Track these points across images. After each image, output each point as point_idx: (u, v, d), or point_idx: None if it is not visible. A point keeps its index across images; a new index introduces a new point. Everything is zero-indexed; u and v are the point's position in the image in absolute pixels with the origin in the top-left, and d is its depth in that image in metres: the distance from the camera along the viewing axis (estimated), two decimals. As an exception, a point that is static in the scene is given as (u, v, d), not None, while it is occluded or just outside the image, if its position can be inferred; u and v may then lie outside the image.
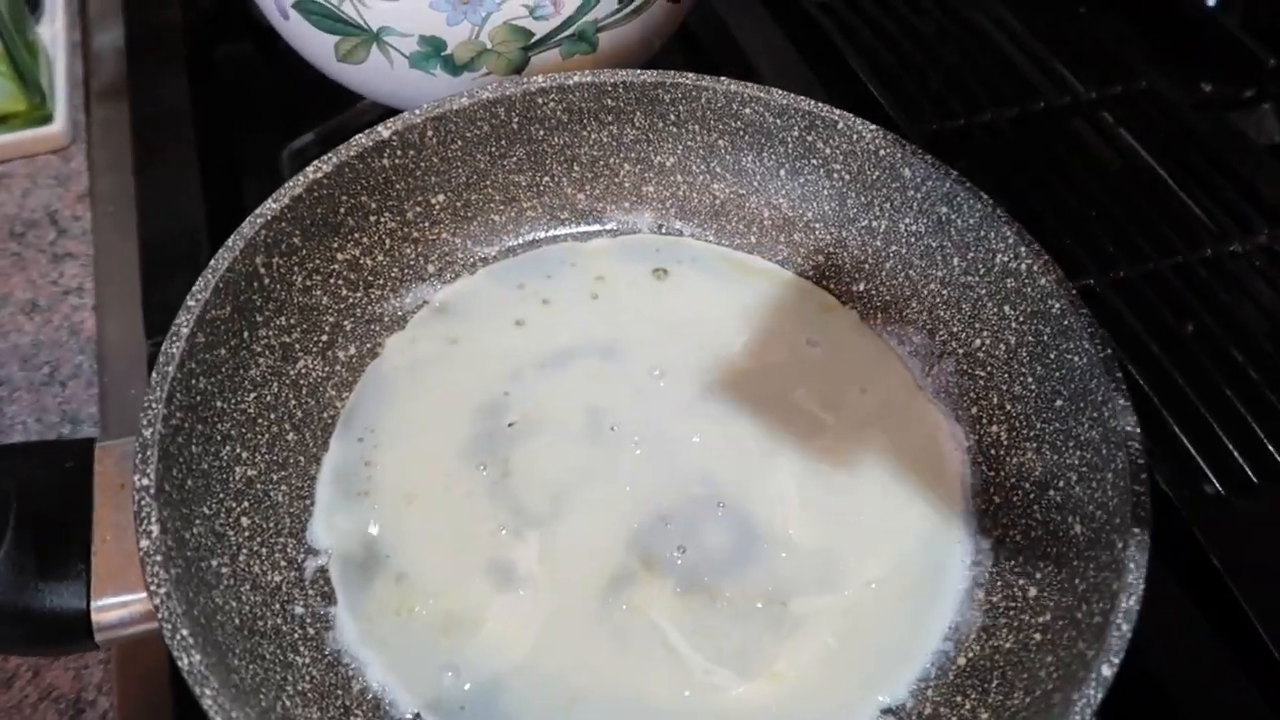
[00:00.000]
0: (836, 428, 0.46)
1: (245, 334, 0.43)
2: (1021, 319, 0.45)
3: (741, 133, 0.50)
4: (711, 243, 0.52)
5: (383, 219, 0.48)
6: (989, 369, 0.46)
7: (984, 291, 0.46)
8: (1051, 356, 0.43)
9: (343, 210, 0.46)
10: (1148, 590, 0.36)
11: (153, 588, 0.34)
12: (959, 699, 0.39)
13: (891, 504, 0.44)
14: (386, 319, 0.48)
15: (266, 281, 0.44)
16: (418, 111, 0.47)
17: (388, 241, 0.49)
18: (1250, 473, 0.48)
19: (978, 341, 0.47)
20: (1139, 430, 0.39)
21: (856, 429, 0.46)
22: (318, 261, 0.46)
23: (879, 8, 0.68)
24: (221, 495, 0.40)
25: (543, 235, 0.52)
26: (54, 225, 0.58)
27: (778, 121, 0.49)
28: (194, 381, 0.40)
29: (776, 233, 0.52)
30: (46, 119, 0.61)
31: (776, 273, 0.51)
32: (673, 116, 0.50)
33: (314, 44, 0.53)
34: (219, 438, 0.41)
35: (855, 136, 0.48)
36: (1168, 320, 0.53)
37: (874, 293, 0.50)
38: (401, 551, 0.42)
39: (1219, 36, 0.68)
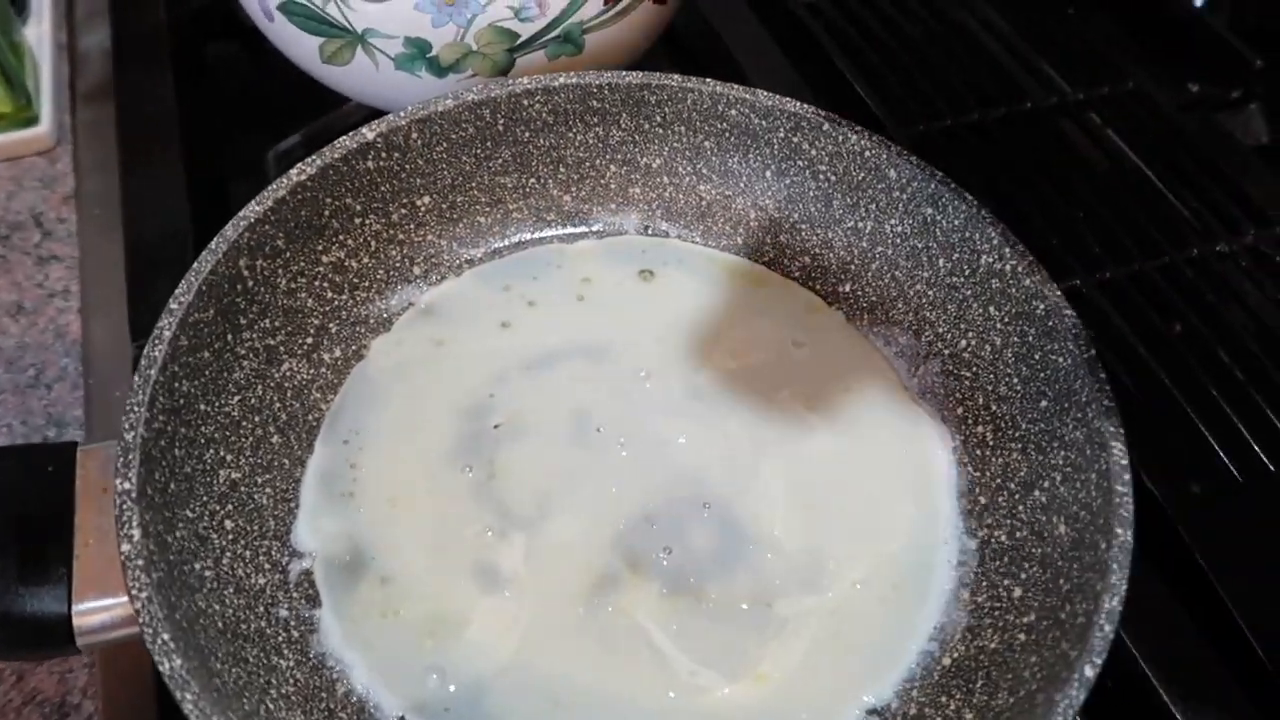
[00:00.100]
0: (822, 428, 0.46)
1: (229, 337, 0.43)
2: (1006, 320, 0.45)
3: (727, 134, 0.50)
4: (698, 244, 0.52)
5: (368, 221, 0.48)
6: (974, 370, 0.46)
7: (969, 292, 0.46)
8: (1036, 357, 0.43)
9: (327, 212, 0.46)
10: (1134, 590, 0.36)
11: (134, 592, 0.34)
12: (944, 699, 0.39)
13: (877, 505, 0.44)
14: (372, 321, 0.48)
15: (250, 284, 0.44)
16: (402, 113, 0.47)
17: (373, 244, 0.48)
18: (1236, 473, 0.48)
19: (963, 342, 0.47)
20: (1122, 431, 0.39)
21: (842, 430, 0.46)
22: (302, 264, 0.46)
23: (866, 8, 0.68)
24: (205, 498, 0.40)
25: (529, 237, 0.52)
26: (39, 227, 0.58)
27: (763, 123, 0.49)
28: (177, 385, 0.39)
29: (762, 234, 0.52)
30: (32, 120, 0.61)
31: (762, 274, 0.51)
32: (658, 118, 0.50)
33: (299, 46, 0.53)
34: (202, 441, 0.41)
35: (840, 138, 0.48)
36: (1154, 321, 0.53)
37: (860, 294, 0.50)
38: (386, 554, 0.42)
39: (1206, 37, 0.68)
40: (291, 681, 0.38)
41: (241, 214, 0.43)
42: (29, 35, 0.65)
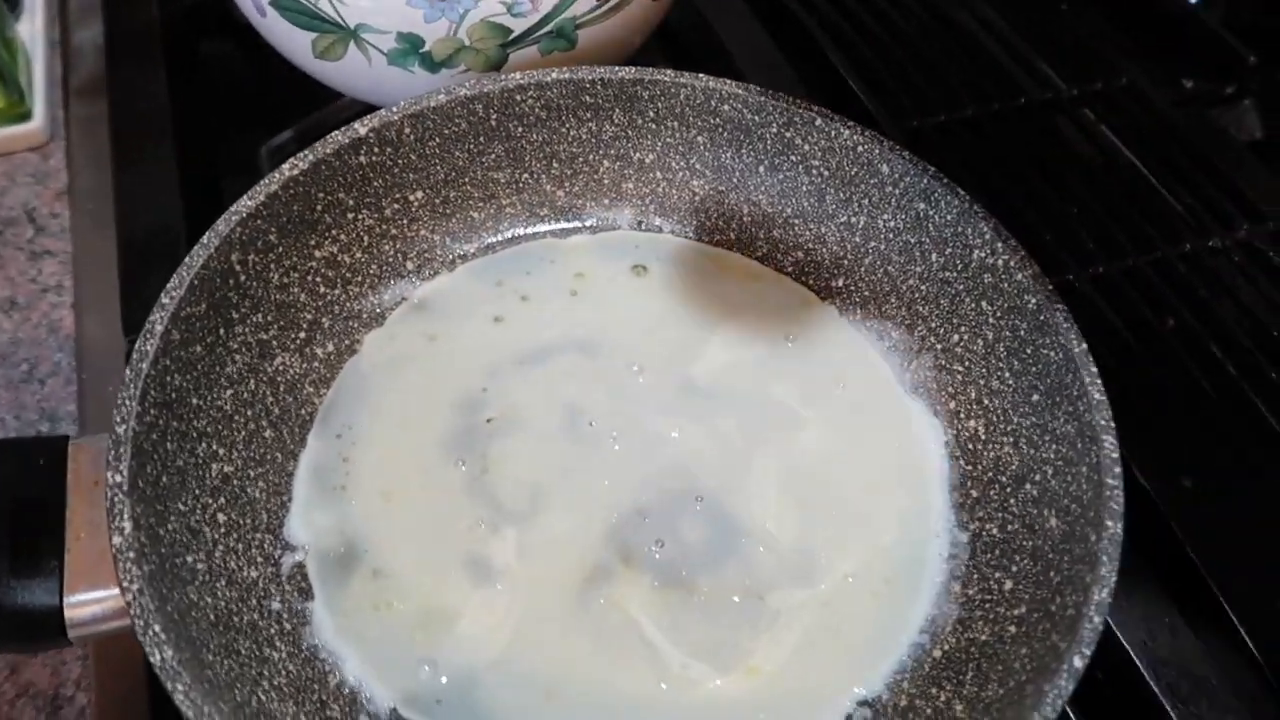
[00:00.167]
0: (815, 422, 0.46)
1: (221, 331, 0.43)
2: (999, 314, 0.45)
3: (720, 129, 0.50)
4: (691, 239, 0.52)
5: (360, 216, 0.48)
6: (967, 364, 0.46)
7: (962, 287, 0.46)
8: (1028, 351, 0.43)
9: (320, 207, 0.46)
10: (1124, 583, 0.36)
11: (125, 584, 0.34)
12: (934, 691, 0.39)
13: (869, 499, 0.44)
14: (365, 316, 0.48)
15: (243, 278, 0.44)
16: (395, 108, 0.47)
17: (366, 239, 0.48)
18: (1228, 467, 0.48)
19: (956, 337, 0.47)
20: (1113, 424, 0.39)
21: (835, 424, 0.46)
22: (295, 258, 0.46)
23: (860, 4, 0.68)
24: (197, 492, 0.40)
25: (522, 232, 0.52)
26: (32, 223, 0.58)
27: (756, 118, 0.49)
28: (169, 378, 0.39)
29: (755, 229, 0.52)
30: (25, 116, 0.61)
31: (756, 268, 0.51)
32: (651, 113, 0.50)
33: (292, 41, 0.53)
34: (195, 434, 0.41)
35: (833, 133, 0.48)
36: (1147, 316, 0.53)
37: (853, 288, 0.50)
38: (379, 547, 0.42)
39: (1200, 33, 0.68)
40: (284, 673, 0.38)
41: (233, 208, 0.43)
42: (22, 31, 0.65)
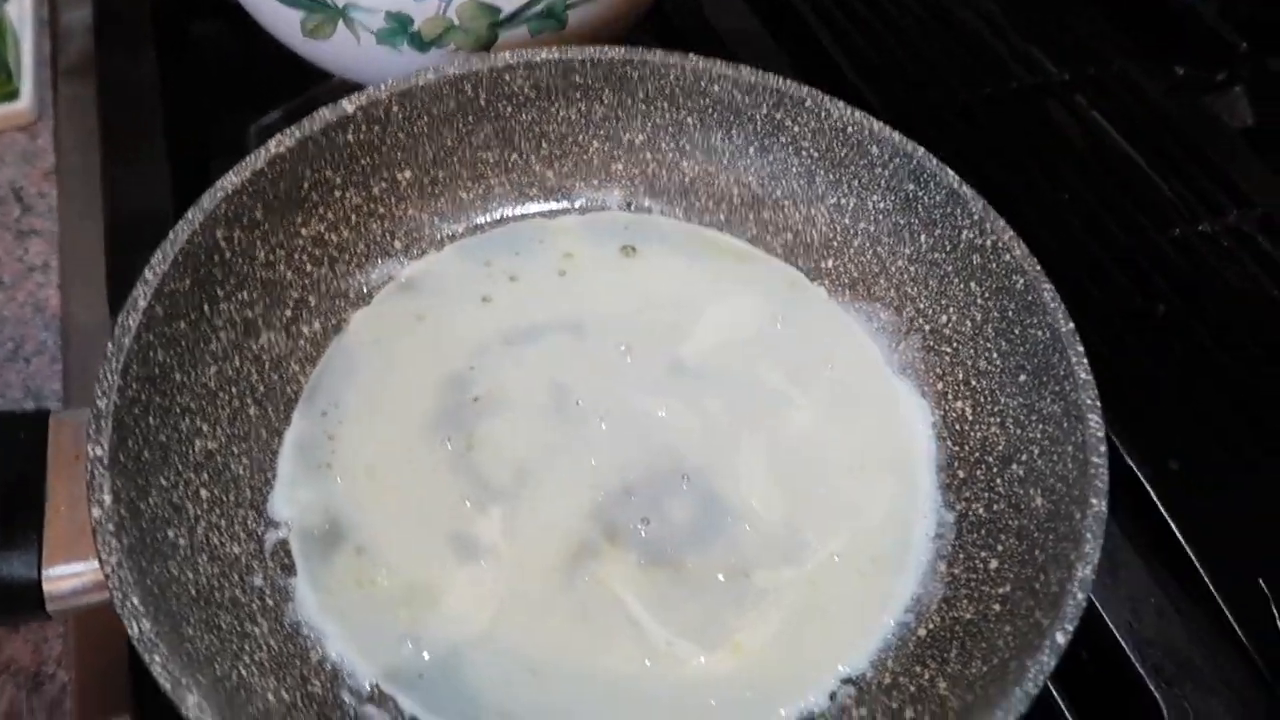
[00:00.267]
0: (802, 403, 0.46)
1: (205, 307, 0.42)
2: (987, 295, 0.45)
3: (710, 110, 0.50)
4: (680, 220, 0.52)
5: (348, 194, 0.48)
6: (955, 345, 0.46)
7: (951, 268, 0.46)
8: (1016, 332, 0.43)
9: (306, 185, 0.46)
10: (1109, 564, 0.36)
11: (104, 556, 0.34)
12: (918, 669, 0.39)
13: (856, 478, 0.44)
14: (352, 294, 0.48)
15: (228, 255, 0.43)
16: (383, 87, 0.47)
17: (353, 217, 0.48)
18: (1215, 450, 0.48)
19: (944, 318, 0.47)
20: (1099, 403, 0.39)
21: (822, 404, 0.46)
22: (281, 236, 0.46)
23: (852, -11, 0.68)
24: (180, 467, 0.40)
25: (511, 212, 0.52)
26: (19, 202, 0.58)
27: (746, 99, 0.49)
28: (151, 354, 0.39)
29: (745, 210, 0.51)
30: (13, 95, 0.61)
31: (745, 250, 0.51)
32: (641, 94, 0.50)
33: (281, 20, 0.53)
34: (178, 410, 0.40)
35: (823, 114, 0.48)
36: (1137, 300, 0.53)
37: (842, 269, 0.50)
38: (363, 524, 0.42)
39: (1192, 20, 0.68)
40: (265, 648, 0.37)
41: (219, 184, 0.43)
42: (10, 10, 0.65)
